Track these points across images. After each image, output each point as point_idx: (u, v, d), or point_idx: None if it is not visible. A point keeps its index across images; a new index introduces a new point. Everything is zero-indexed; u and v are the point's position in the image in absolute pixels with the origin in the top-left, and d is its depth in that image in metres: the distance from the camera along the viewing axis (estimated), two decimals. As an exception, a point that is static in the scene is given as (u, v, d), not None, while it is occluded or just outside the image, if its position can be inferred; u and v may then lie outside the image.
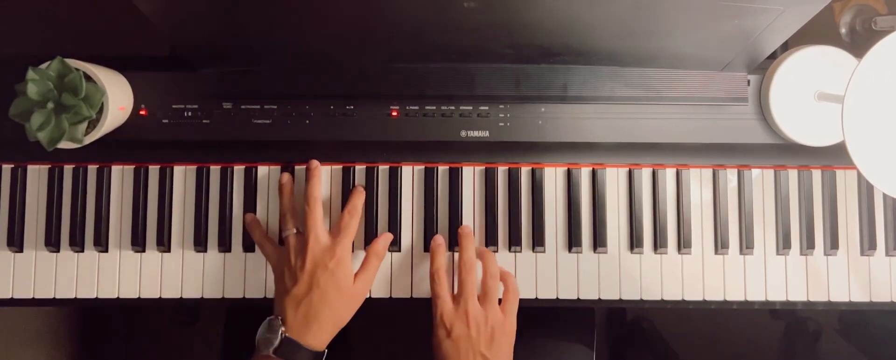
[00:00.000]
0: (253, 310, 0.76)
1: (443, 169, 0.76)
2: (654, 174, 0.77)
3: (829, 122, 0.73)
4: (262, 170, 0.76)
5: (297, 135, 0.75)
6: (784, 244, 0.76)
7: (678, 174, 0.77)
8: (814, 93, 0.73)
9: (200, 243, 0.75)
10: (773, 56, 0.74)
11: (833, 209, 0.77)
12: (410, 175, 0.77)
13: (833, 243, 0.76)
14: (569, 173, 0.76)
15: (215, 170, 0.76)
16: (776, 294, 0.76)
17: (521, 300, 0.73)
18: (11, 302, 0.75)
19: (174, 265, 0.75)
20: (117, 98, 0.70)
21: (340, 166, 0.76)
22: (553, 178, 0.77)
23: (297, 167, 0.76)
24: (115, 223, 0.76)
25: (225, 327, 0.92)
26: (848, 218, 0.77)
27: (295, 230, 0.72)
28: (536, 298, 0.75)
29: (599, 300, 0.76)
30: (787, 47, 0.75)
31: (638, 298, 0.76)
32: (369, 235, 0.75)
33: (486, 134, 0.75)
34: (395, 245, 0.75)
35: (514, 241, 0.75)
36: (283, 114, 0.75)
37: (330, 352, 0.69)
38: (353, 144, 0.75)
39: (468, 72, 0.73)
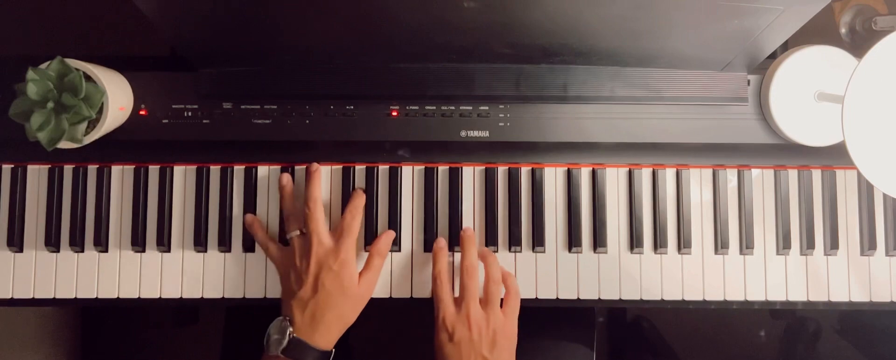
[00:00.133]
0: (253, 310, 0.76)
1: (443, 169, 0.76)
2: (654, 174, 0.77)
3: (829, 122, 0.73)
4: (262, 170, 0.76)
5: (297, 135, 0.75)
6: (784, 244, 0.76)
7: (678, 174, 0.77)
8: (814, 93, 0.73)
9: (200, 243, 0.75)
10: (773, 56, 0.74)
11: (833, 209, 0.77)
12: (410, 175, 0.77)
13: (833, 243, 0.76)
14: (569, 173, 0.76)
15: (215, 170, 0.76)
16: (776, 294, 0.76)
17: (521, 300, 0.74)
18: (11, 302, 0.75)
19: (174, 265, 0.75)
20: (117, 98, 0.70)
21: (340, 166, 0.76)
22: (553, 178, 0.77)
23: (297, 168, 0.76)
24: (115, 223, 0.76)
25: (225, 327, 0.92)
26: (848, 218, 0.77)
27: (298, 232, 0.72)
28: (536, 298, 0.75)
29: (599, 299, 0.76)
30: (787, 47, 0.75)
31: (638, 298, 0.76)
32: (369, 235, 0.75)
33: (486, 134, 0.75)
34: (396, 245, 0.75)
35: (514, 241, 0.75)
36: (283, 114, 0.75)
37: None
38: (353, 144, 0.75)
39: (468, 72, 0.73)
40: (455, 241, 0.75)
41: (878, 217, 0.77)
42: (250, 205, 0.76)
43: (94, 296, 0.75)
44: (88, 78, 0.67)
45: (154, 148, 0.76)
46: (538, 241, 0.75)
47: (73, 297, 0.75)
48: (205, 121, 0.75)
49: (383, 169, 0.76)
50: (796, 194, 0.77)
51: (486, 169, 0.76)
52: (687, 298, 0.76)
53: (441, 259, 0.73)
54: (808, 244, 0.76)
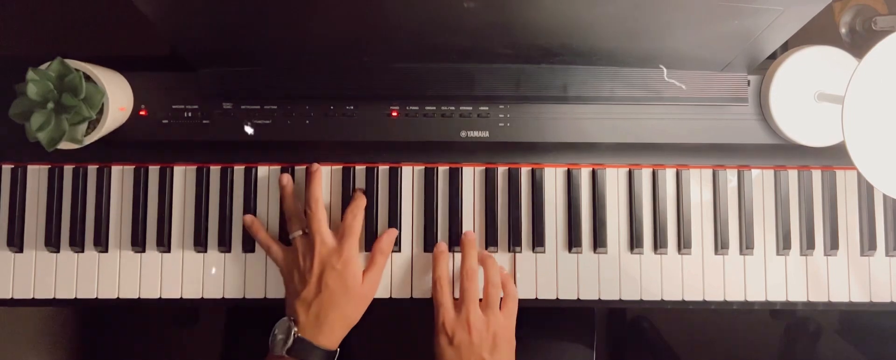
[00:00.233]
0: (253, 310, 0.76)
1: (443, 169, 0.76)
2: (654, 174, 0.77)
3: (829, 122, 0.73)
4: (262, 170, 0.76)
5: (297, 135, 0.75)
6: (784, 245, 0.76)
7: (678, 174, 0.77)
8: (814, 93, 0.73)
9: (200, 243, 0.75)
10: (773, 56, 0.74)
11: (833, 209, 0.77)
12: (410, 175, 0.77)
13: (833, 244, 0.76)
14: (569, 173, 0.76)
15: (215, 170, 0.76)
16: (776, 294, 0.76)
17: (521, 300, 0.74)
18: (11, 302, 0.75)
19: (174, 265, 0.75)
20: (117, 98, 0.70)
21: (340, 167, 0.76)
22: (553, 178, 0.77)
23: (297, 168, 0.76)
24: (115, 223, 0.76)
25: (225, 327, 0.92)
26: (848, 218, 0.77)
27: (300, 232, 0.72)
28: (536, 298, 0.75)
29: (599, 300, 0.76)
30: (787, 47, 0.75)
31: (638, 298, 0.76)
32: (370, 235, 0.75)
33: (486, 134, 0.75)
34: (396, 246, 0.75)
35: (514, 241, 0.75)
36: (283, 114, 0.75)
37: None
38: (353, 145, 0.75)
39: (468, 72, 0.73)
40: (455, 241, 0.75)
41: (878, 217, 0.77)
42: (250, 205, 0.76)
43: (94, 296, 0.75)
44: (88, 78, 0.67)
45: (154, 148, 0.76)
46: (538, 241, 0.75)
47: (73, 297, 0.75)
48: (205, 121, 0.75)
49: (383, 169, 0.76)
50: (796, 194, 0.77)
51: (486, 169, 0.76)
52: (687, 298, 0.76)
53: (441, 263, 0.73)
54: (808, 245, 0.76)
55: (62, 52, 0.67)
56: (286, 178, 0.75)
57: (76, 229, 0.75)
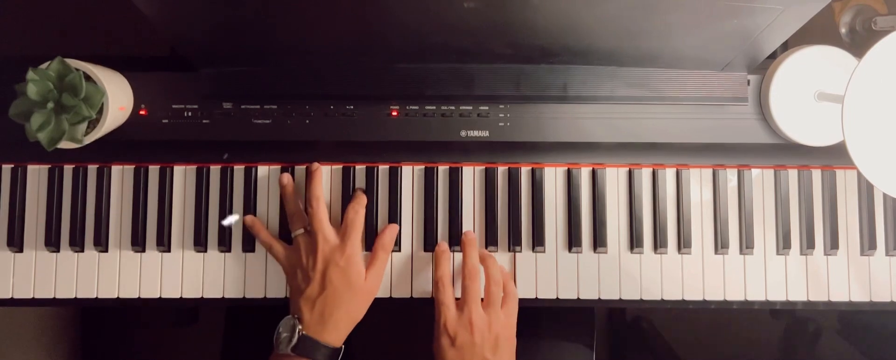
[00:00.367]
0: (253, 310, 0.76)
1: (443, 169, 0.76)
2: (654, 174, 0.77)
3: (829, 122, 0.73)
4: (262, 170, 0.76)
5: (297, 135, 0.75)
6: (784, 244, 0.76)
7: (678, 174, 0.77)
8: (814, 93, 0.73)
9: (200, 243, 0.75)
10: (773, 56, 0.74)
11: (833, 209, 0.77)
12: (410, 175, 0.77)
13: (833, 243, 0.76)
14: (569, 173, 0.76)
15: (215, 170, 0.76)
16: (776, 294, 0.76)
17: (521, 300, 0.74)
18: (11, 302, 0.75)
19: (174, 265, 0.75)
20: (117, 98, 0.70)
21: (340, 166, 0.76)
22: (553, 178, 0.77)
23: (297, 168, 0.76)
24: (115, 223, 0.76)
25: (225, 327, 0.92)
26: (848, 218, 0.77)
27: (302, 230, 0.72)
28: (536, 298, 0.75)
29: (599, 299, 0.76)
30: (787, 47, 0.75)
31: (638, 298, 0.76)
32: (370, 235, 0.75)
33: (486, 134, 0.75)
34: (396, 246, 0.75)
35: (514, 241, 0.75)
36: (283, 114, 0.75)
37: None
38: (353, 144, 0.75)
39: (468, 72, 0.73)
40: (455, 241, 0.75)
41: (878, 217, 0.77)
42: (250, 205, 0.76)
43: (94, 296, 0.75)
44: (88, 78, 0.67)
45: (154, 148, 0.76)
46: (538, 241, 0.75)
47: (73, 297, 0.75)
48: (205, 121, 0.75)
49: (383, 169, 0.76)
50: (796, 194, 0.77)
51: (486, 169, 0.76)
52: (687, 298, 0.76)
53: (443, 264, 0.73)
54: (808, 244, 0.76)
55: (62, 52, 0.67)
56: (287, 177, 0.75)
57: (76, 228, 0.75)
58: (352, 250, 0.71)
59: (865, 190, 0.77)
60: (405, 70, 0.73)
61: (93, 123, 0.68)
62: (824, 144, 0.74)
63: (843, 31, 0.87)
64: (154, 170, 0.76)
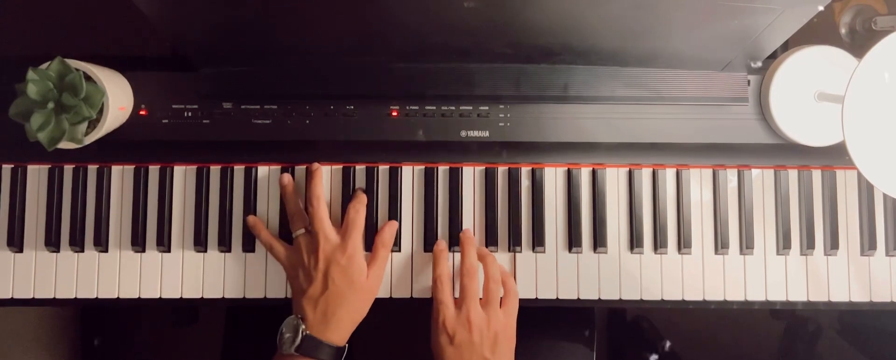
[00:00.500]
0: (253, 310, 0.75)
1: (443, 169, 0.76)
2: (654, 174, 0.77)
3: (829, 122, 0.73)
4: (262, 170, 0.76)
5: (297, 135, 0.75)
6: (784, 244, 0.76)
7: (678, 174, 0.77)
8: (814, 93, 0.73)
9: (200, 243, 0.75)
10: (773, 56, 0.74)
11: (833, 209, 0.77)
12: (410, 175, 0.77)
13: (833, 243, 0.76)
14: (569, 173, 0.76)
15: (215, 170, 0.76)
16: (776, 294, 0.76)
17: (521, 300, 0.74)
18: (11, 302, 0.75)
19: (174, 265, 0.75)
20: (117, 98, 0.70)
21: (340, 166, 0.76)
22: (553, 178, 0.77)
23: (297, 168, 0.76)
24: (115, 223, 0.76)
25: (225, 327, 0.92)
26: (848, 218, 0.77)
27: (303, 230, 0.72)
28: (536, 298, 0.75)
29: (599, 300, 0.76)
30: (787, 47, 0.75)
31: (638, 298, 0.76)
32: (369, 235, 0.75)
33: (486, 134, 0.75)
34: (396, 246, 0.75)
35: (514, 241, 0.75)
36: (283, 114, 0.75)
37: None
38: (353, 144, 0.75)
39: (468, 72, 0.73)
40: (455, 241, 0.75)
41: (878, 217, 0.77)
42: (250, 205, 0.76)
43: (94, 296, 0.75)
44: (88, 78, 0.67)
45: (154, 148, 0.76)
46: (538, 241, 0.75)
47: (73, 297, 0.75)
48: (205, 121, 0.75)
49: (383, 169, 0.76)
50: (796, 194, 0.77)
51: (486, 169, 0.76)
52: (687, 298, 0.76)
53: (441, 262, 0.73)
54: (808, 244, 0.76)
55: (62, 52, 0.67)
56: (287, 177, 0.75)
57: (76, 228, 0.75)
58: (353, 248, 0.71)
59: (865, 190, 0.77)
60: (405, 70, 0.73)
61: (93, 123, 0.68)
62: (824, 144, 0.74)
63: (843, 31, 0.87)
64: (154, 170, 0.76)
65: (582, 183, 0.76)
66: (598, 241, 0.75)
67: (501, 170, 0.77)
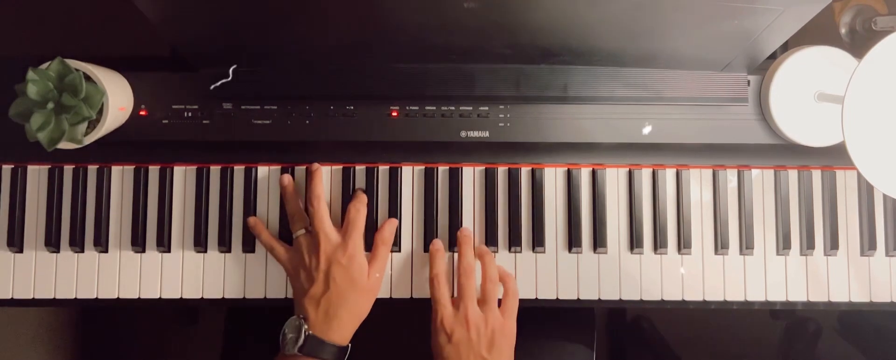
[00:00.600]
0: (253, 310, 0.75)
1: (443, 169, 0.76)
2: (654, 175, 0.77)
3: (829, 122, 0.73)
4: (262, 170, 0.76)
5: (297, 135, 0.75)
6: (784, 245, 0.76)
7: (678, 174, 0.77)
8: (814, 93, 0.73)
9: (200, 244, 0.75)
10: (773, 56, 0.74)
11: (833, 209, 0.77)
12: (410, 175, 0.77)
13: (833, 244, 0.76)
14: (569, 174, 0.76)
15: (215, 170, 0.76)
16: (776, 294, 0.76)
17: (521, 301, 0.74)
18: (11, 302, 0.75)
19: (174, 265, 0.75)
20: (117, 98, 0.70)
21: (340, 167, 0.76)
22: (553, 178, 0.77)
23: (297, 168, 0.76)
24: (115, 223, 0.76)
25: (225, 327, 0.92)
26: (848, 218, 0.77)
27: (304, 230, 0.72)
28: (536, 298, 0.75)
29: (599, 300, 0.76)
30: (787, 47, 0.75)
31: (638, 298, 0.76)
32: (369, 235, 0.75)
33: (486, 134, 0.75)
34: (396, 246, 0.75)
35: (514, 241, 0.75)
36: (283, 114, 0.75)
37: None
38: (353, 145, 0.75)
39: (468, 72, 0.73)
40: (455, 241, 0.75)
41: (878, 217, 0.77)
42: (250, 205, 0.76)
43: (94, 296, 0.75)
44: (88, 78, 0.67)
45: (154, 148, 0.76)
46: (538, 241, 0.75)
47: (73, 297, 0.75)
48: (205, 121, 0.75)
49: (383, 169, 0.76)
50: (796, 194, 0.77)
51: (486, 169, 0.76)
52: (687, 298, 0.76)
53: (438, 261, 0.73)
54: (808, 245, 0.76)
55: (62, 52, 0.67)
56: (287, 178, 0.75)
57: (76, 229, 0.75)
58: (354, 248, 0.71)
59: (865, 190, 0.77)
60: (405, 70, 0.73)
61: (93, 124, 0.68)
62: (824, 144, 0.74)
63: (843, 31, 0.87)
64: (154, 170, 0.76)
65: (582, 183, 0.76)
66: (598, 241, 0.75)
67: (501, 170, 0.77)
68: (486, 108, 0.75)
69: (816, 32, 0.77)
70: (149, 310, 1.27)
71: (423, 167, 0.76)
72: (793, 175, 0.77)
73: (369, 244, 0.74)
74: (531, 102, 0.74)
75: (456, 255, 0.74)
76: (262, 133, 0.75)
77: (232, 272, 0.75)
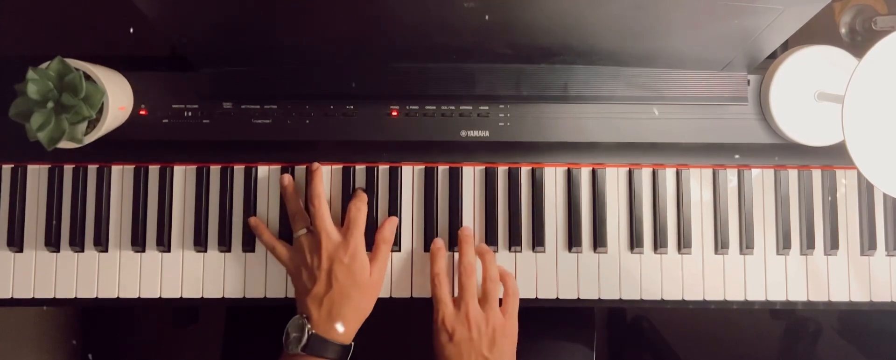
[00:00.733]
0: (253, 310, 0.75)
1: (443, 169, 0.76)
2: (654, 174, 0.77)
3: (829, 122, 0.73)
4: (262, 170, 0.76)
5: (297, 135, 0.75)
6: (784, 244, 0.76)
7: (678, 174, 0.77)
8: (814, 93, 0.73)
9: (200, 243, 0.75)
10: (773, 56, 0.74)
11: (833, 209, 0.77)
12: (410, 175, 0.77)
13: (833, 243, 0.76)
14: (569, 173, 0.76)
15: (215, 170, 0.76)
16: (776, 294, 0.76)
17: (521, 300, 0.74)
18: (11, 302, 0.75)
19: (174, 265, 0.75)
20: (117, 98, 0.70)
21: (340, 166, 0.76)
22: (553, 178, 0.77)
23: (297, 167, 0.76)
24: (115, 223, 0.76)
25: (225, 327, 0.92)
26: (848, 218, 0.77)
27: (305, 230, 0.72)
28: (536, 298, 0.75)
29: (599, 300, 0.76)
30: (787, 47, 0.75)
31: (638, 298, 0.76)
32: (369, 235, 0.75)
33: (486, 134, 0.75)
34: (396, 246, 0.75)
35: (514, 241, 0.75)
36: (283, 114, 0.75)
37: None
38: (353, 144, 0.75)
39: (468, 72, 0.73)
40: (455, 241, 0.75)
41: (878, 217, 0.77)
42: (250, 205, 0.76)
43: (94, 296, 0.75)
44: (88, 78, 0.67)
45: (154, 148, 0.76)
46: (538, 241, 0.75)
47: (73, 297, 0.75)
48: (205, 121, 0.75)
49: (383, 169, 0.76)
50: (796, 194, 0.77)
51: (486, 169, 0.76)
52: (687, 298, 0.76)
53: (439, 260, 0.73)
54: (808, 244, 0.76)
55: (62, 52, 0.67)
56: (287, 178, 0.75)
57: (76, 228, 0.75)
58: (355, 246, 0.71)
59: (865, 190, 0.77)
60: (405, 70, 0.73)
61: (93, 123, 0.68)
62: (824, 144, 0.74)
63: (843, 31, 0.87)
64: (154, 170, 0.76)
65: (582, 183, 0.76)
66: (598, 241, 0.75)
67: (501, 170, 0.77)
68: (487, 107, 0.75)
69: (816, 32, 0.77)
70: (149, 310, 1.27)
71: (423, 167, 0.76)
72: (793, 175, 0.77)
73: (369, 244, 0.74)
74: (531, 102, 0.74)
75: (456, 254, 0.74)
76: (262, 133, 0.75)
77: (232, 272, 0.75)
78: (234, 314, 0.92)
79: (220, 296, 0.75)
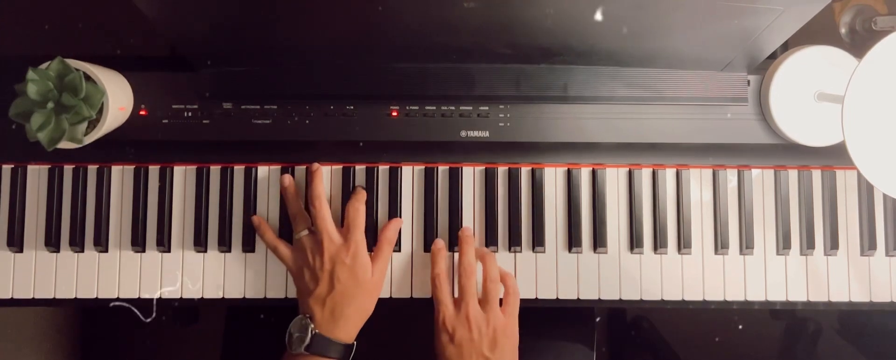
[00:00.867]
0: (253, 310, 0.75)
1: (443, 169, 0.76)
2: (654, 174, 0.77)
3: (829, 122, 0.73)
4: (262, 170, 0.76)
5: (297, 135, 0.75)
6: (784, 244, 0.76)
7: (678, 174, 0.77)
8: (814, 93, 0.73)
9: (200, 244, 0.75)
10: (773, 56, 0.74)
11: (833, 209, 0.77)
12: (410, 175, 0.77)
13: (833, 244, 0.76)
14: (569, 173, 0.76)
15: (215, 170, 0.76)
16: (776, 294, 0.76)
17: (521, 301, 0.74)
18: (11, 302, 0.75)
19: (174, 265, 0.75)
20: (117, 98, 0.70)
21: (340, 166, 0.76)
22: (553, 178, 0.77)
23: (297, 168, 0.76)
24: (115, 223, 0.76)
25: (225, 327, 0.92)
26: (848, 218, 0.77)
27: (306, 231, 0.72)
28: (536, 298, 0.75)
29: (599, 300, 0.76)
30: (787, 47, 0.75)
31: (638, 298, 0.76)
32: (370, 235, 0.75)
33: (486, 134, 0.75)
34: (396, 246, 0.75)
35: (514, 241, 0.75)
36: (283, 114, 0.75)
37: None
38: (353, 144, 0.75)
39: (468, 72, 0.73)
40: (455, 241, 0.75)
41: (878, 217, 0.77)
42: (250, 205, 0.76)
43: (94, 296, 0.75)
44: (88, 78, 0.67)
45: (154, 148, 0.76)
46: (538, 241, 0.75)
47: (73, 297, 0.75)
48: (205, 121, 0.75)
49: (383, 169, 0.76)
50: (796, 194, 0.77)
51: (486, 169, 0.76)
52: (687, 298, 0.76)
53: (439, 261, 0.73)
54: (808, 244, 0.76)
55: (62, 52, 0.67)
56: (288, 179, 0.75)
57: (76, 228, 0.75)
58: (356, 246, 0.71)
59: (865, 190, 0.77)
60: (405, 70, 0.73)
61: (93, 123, 0.68)
62: (824, 144, 0.74)
63: (843, 31, 0.87)
64: (154, 170, 0.76)
65: (582, 183, 0.76)
66: (598, 241, 0.75)
67: (501, 170, 0.77)
68: (486, 107, 0.75)
69: (816, 32, 0.77)
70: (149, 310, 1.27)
71: (423, 167, 0.76)
72: (793, 175, 0.77)
73: (372, 243, 0.74)
74: (531, 102, 0.74)
75: (456, 255, 0.74)
76: (262, 133, 0.75)
77: (232, 272, 0.75)
78: (234, 314, 0.92)
79: (220, 296, 0.75)
